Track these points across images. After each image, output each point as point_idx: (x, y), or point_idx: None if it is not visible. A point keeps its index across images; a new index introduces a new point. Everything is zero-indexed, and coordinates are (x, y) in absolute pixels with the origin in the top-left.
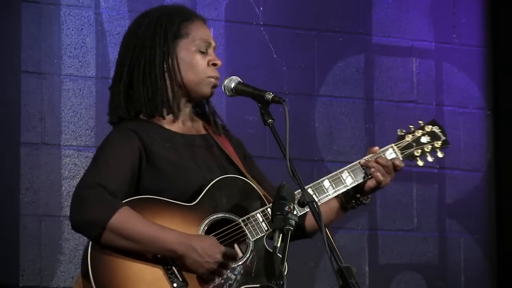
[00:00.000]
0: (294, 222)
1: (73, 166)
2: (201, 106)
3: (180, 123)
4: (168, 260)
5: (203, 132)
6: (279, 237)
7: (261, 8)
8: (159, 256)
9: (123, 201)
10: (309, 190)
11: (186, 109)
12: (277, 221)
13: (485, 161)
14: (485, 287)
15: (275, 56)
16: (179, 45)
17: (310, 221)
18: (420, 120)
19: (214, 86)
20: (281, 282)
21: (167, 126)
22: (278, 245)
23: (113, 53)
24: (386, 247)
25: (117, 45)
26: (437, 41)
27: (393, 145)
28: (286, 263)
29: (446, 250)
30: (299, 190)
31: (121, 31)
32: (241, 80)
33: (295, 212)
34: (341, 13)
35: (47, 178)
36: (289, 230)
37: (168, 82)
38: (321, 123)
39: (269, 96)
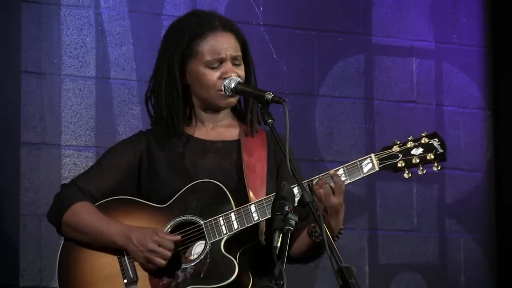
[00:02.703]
0: (294, 222)
1: (73, 166)
2: (241, 110)
3: (208, 129)
4: (123, 254)
5: (233, 138)
6: (279, 237)
7: (261, 8)
8: (105, 247)
9: (104, 200)
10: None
11: (217, 116)
12: (277, 221)
13: (485, 161)
14: (485, 287)
15: (275, 56)
16: (190, 62)
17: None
18: (423, 131)
19: (228, 99)
20: (281, 282)
21: (190, 132)
22: (278, 245)
23: (113, 53)
24: (386, 247)
25: (117, 45)
26: (437, 41)
27: (372, 154)
28: (237, 265)
29: (446, 250)
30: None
31: (121, 31)
32: (241, 80)
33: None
34: (341, 13)
35: (47, 178)
36: (289, 230)
37: (177, 102)
38: (321, 123)
39: (269, 96)
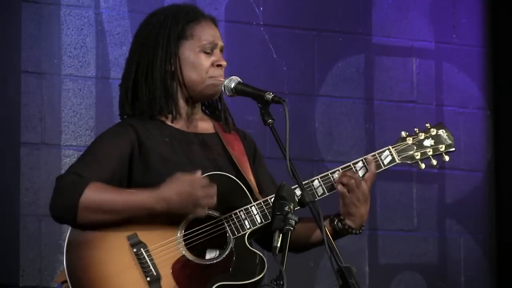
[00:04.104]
0: (294, 222)
1: None
2: (212, 106)
3: (186, 121)
4: (140, 251)
5: (211, 131)
6: (279, 237)
7: (261, 8)
8: (139, 218)
9: None
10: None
11: (193, 109)
12: (277, 221)
13: (485, 161)
14: (485, 287)
15: (275, 56)
16: (183, 45)
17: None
18: (427, 122)
19: (218, 86)
20: (281, 282)
21: (170, 123)
22: (278, 245)
23: (113, 53)
24: (386, 247)
25: (117, 45)
26: (437, 41)
27: (390, 147)
28: (266, 260)
29: (446, 250)
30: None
31: (121, 31)
32: (241, 80)
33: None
34: (341, 13)
35: (47, 178)
36: (289, 230)
37: (169, 83)
38: (321, 123)
39: (269, 96)
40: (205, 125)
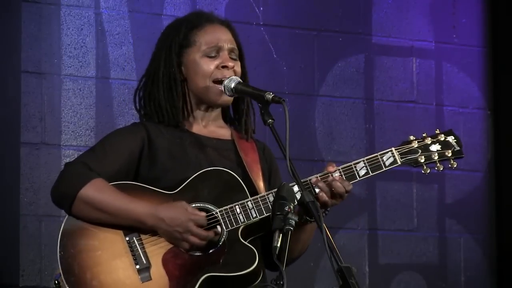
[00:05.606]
0: (294, 222)
1: None
2: (237, 112)
3: (202, 126)
4: (133, 240)
5: (227, 138)
6: (279, 237)
7: (261, 8)
8: (129, 226)
9: (113, 184)
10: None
11: (209, 114)
12: (277, 221)
13: (485, 161)
14: (485, 287)
15: (275, 56)
16: (187, 53)
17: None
18: (437, 129)
19: (221, 95)
20: (281, 282)
21: (184, 126)
22: (278, 245)
23: (113, 53)
24: (386, 247)
25: (117, 45)
26: (437, 41)
27: (393, 148)
28: (257, 254)
29: (446, 250)
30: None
31: (121, 31)
32: (241, 80)
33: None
34: (341, 13)
35: (47, 178)
36: (289, 230)
37: (174, 93)
38: (321, 123)
39: (269, 96)
40: (222, 132)
